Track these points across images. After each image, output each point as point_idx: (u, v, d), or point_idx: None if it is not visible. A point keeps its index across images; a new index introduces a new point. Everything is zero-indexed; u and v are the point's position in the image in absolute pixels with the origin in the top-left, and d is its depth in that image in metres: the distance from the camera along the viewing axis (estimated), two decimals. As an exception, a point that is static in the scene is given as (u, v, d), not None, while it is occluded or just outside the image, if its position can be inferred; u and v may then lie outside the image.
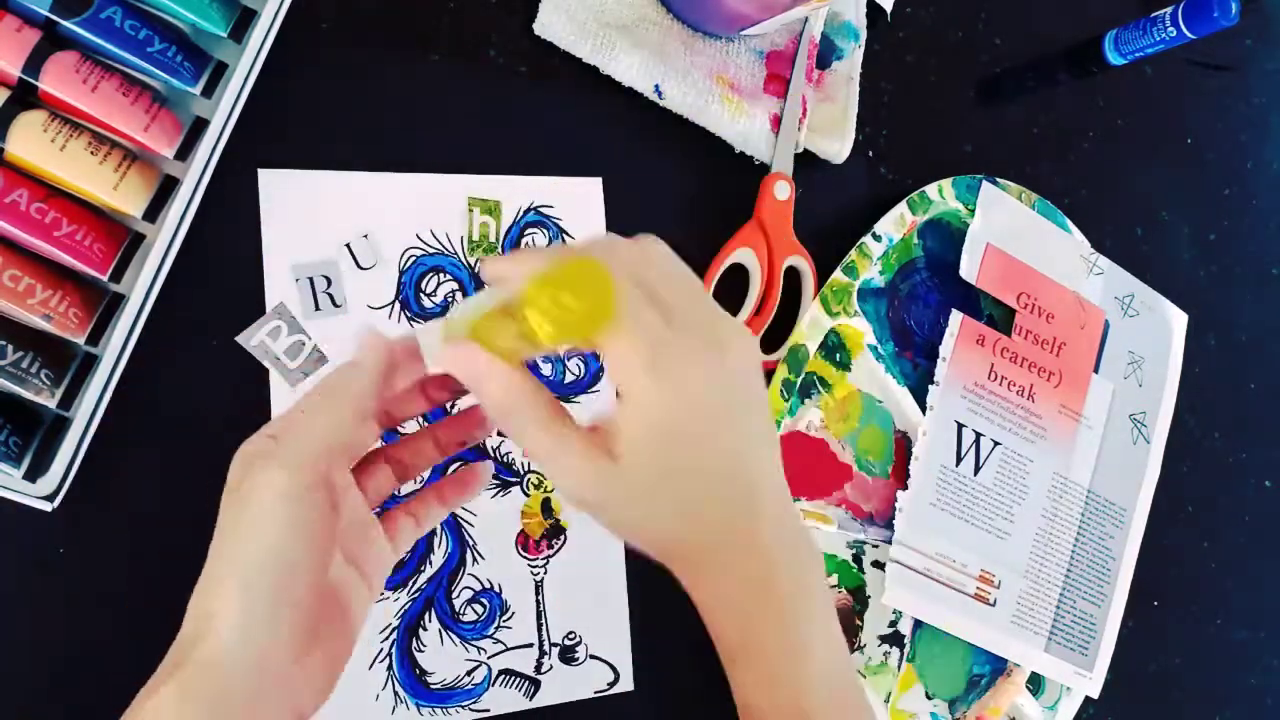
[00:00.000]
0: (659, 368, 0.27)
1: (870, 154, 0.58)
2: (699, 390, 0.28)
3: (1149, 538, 0.61)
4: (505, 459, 0.48)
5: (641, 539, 0.30)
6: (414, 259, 0.47)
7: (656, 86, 0.51)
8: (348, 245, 0.46)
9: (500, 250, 0.49)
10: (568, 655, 0.48)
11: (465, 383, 0.29)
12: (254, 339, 0.44)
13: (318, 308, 0.45)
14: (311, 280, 0.45)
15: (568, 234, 0.50)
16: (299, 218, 0.45)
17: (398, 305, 0.47)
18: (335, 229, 0.46)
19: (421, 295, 0.47)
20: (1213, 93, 0.72)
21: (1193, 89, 0.71)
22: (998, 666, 0.57)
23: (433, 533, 0.46)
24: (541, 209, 0.50)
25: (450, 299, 0.48)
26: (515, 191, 0.49)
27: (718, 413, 0.28)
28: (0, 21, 0.38)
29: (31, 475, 0.39)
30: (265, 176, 0.45)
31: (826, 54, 0.56)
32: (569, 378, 0.49)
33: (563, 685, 0.48)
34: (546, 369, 0.49)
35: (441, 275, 0.48)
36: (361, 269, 0.46)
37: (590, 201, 0.50)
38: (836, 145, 0.55)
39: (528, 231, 0.49)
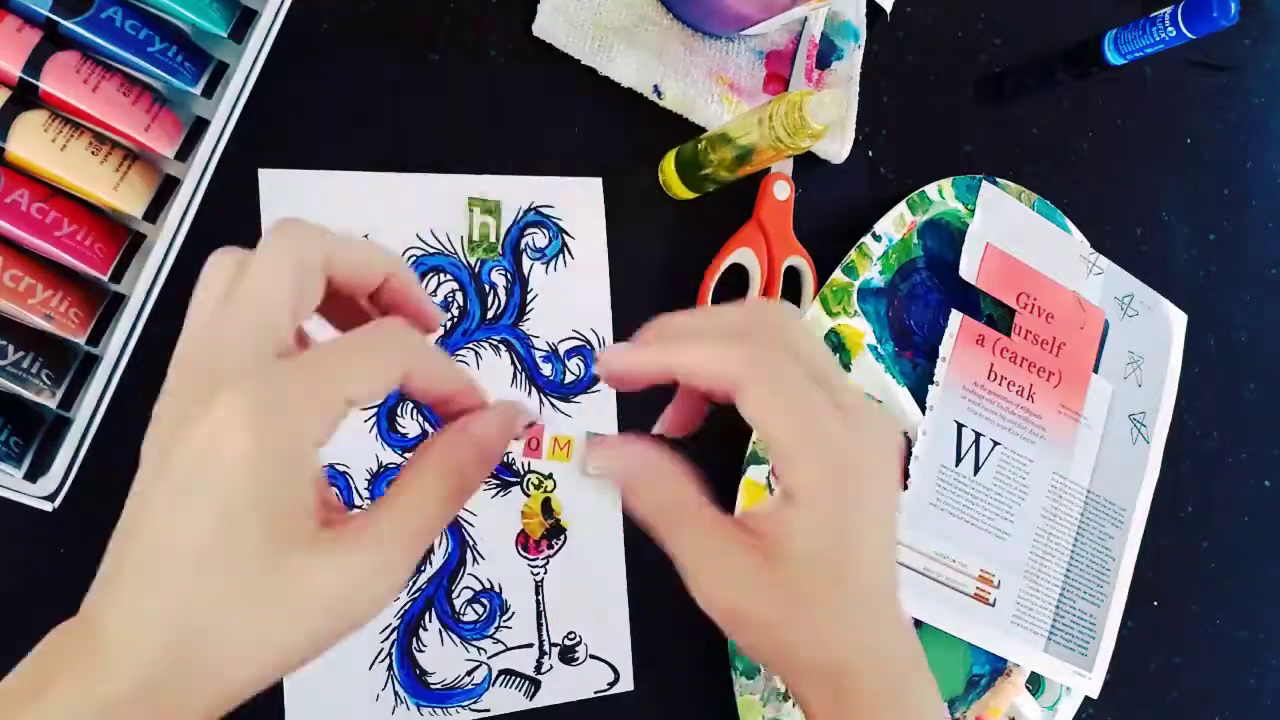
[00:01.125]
0: (840, 479, 0.25)
1: (870, 154, 0.58)
2: (875, 506, 0.25)
3: (1149, 538, 0.61)
4: (505, 459, 0.48)
5: (797, 662, 0.26)
6: (414, 259, 0.47)
7: (655, 87, 0.51)
8: (348, 245, 0.46)
9: (501, 251, 0.49)
10: (568, 655, 0.48)
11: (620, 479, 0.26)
12: (254, 339, 0.44)
13: (318, 308, 0.45)
14: (312, 280, 0.45)
15: (568, 234, 0.50)
16: (299, 218, 0.45)
17: (398, 305, 0.47)
18: (335, 229, 0.46)
19: (421, 295, 0.47)
20: (1212, 93, 0.72)
21: (1192, 89, 0.71)
22: (997, 666, 0.57)
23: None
24: (541, 209, 0.50)
25: (450, 299, 0.48)
26: (515, 191, 0.49)
27: (886, 530, 0.26)
28: (1, 22, 0.38)
29: (32, 475, 0.39)
30: (265, 176, 0.45)
31: (826, 54, 0.56)
32: (569, 378, 0.49)
33: (563, 685, 0.48)
34: (547, 369, 0.49)
35: (442, 275, 0.48)
36: (362, 269, 0.46)
37: (590, 201, 0.50)
38: (836, 145, 0.55)
39: (528, 231, 0.49)
